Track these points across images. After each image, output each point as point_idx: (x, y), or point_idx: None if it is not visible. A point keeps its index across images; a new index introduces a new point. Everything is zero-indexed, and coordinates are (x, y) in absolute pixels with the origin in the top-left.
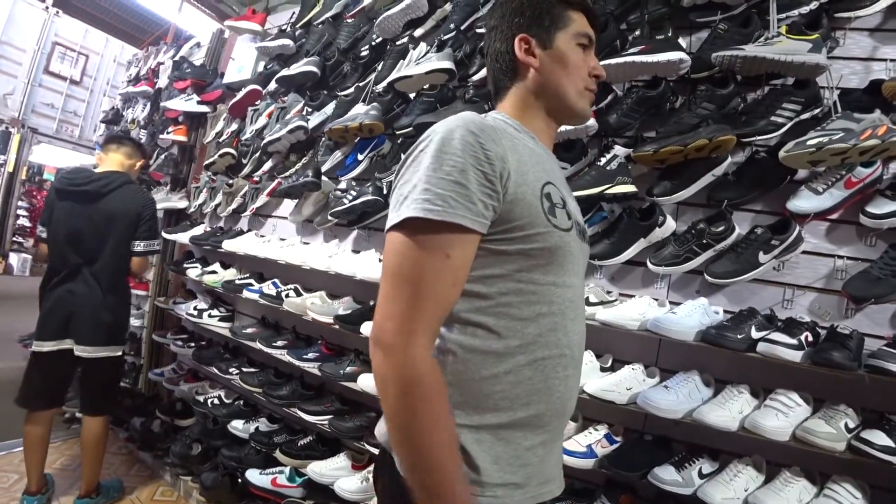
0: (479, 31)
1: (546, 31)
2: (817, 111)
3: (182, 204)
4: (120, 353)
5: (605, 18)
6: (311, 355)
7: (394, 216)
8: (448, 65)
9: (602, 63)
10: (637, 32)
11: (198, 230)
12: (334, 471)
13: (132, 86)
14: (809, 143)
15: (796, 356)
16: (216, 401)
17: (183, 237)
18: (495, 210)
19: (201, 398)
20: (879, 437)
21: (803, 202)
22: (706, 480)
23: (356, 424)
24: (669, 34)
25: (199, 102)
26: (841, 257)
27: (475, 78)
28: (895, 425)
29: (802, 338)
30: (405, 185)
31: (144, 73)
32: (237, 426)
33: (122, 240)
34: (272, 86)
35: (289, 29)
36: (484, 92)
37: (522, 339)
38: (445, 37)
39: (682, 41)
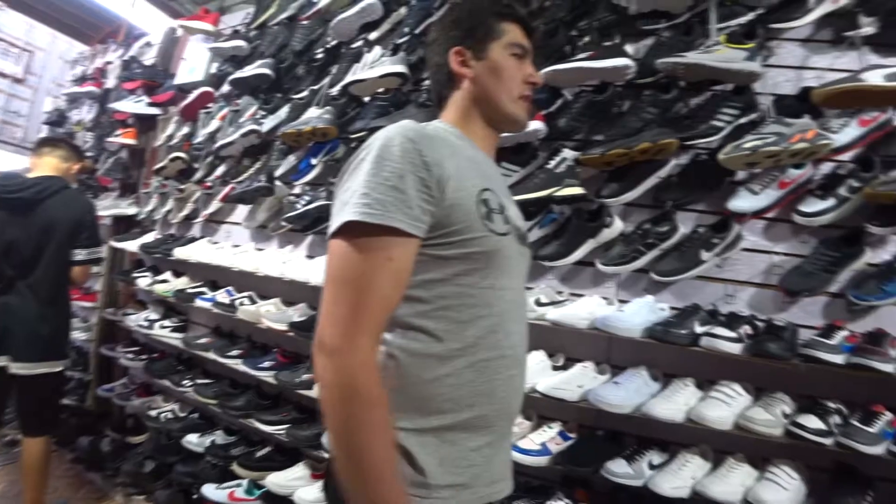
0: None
1: (480, 42)
2: (754, 116)
3: (132, 210)
4: (61, 369)
5: (556, 24)
6: (266, 364)
7: (335, 221)
8: (402, 69)
9: (551, 68)
10: (586, 39)
11: (148, 237)
12: (293, 481)
13: (78, 86)
14: (745, 146)
15: (736, 348)
16: (170, 415)
17: (133, 245)
18: (433, 215)
19: (154, 413)
20: (813, 421)
21: (741, 202)
22: (656, 471)
23: (314, 432)
24: (617, 41)
25: (149, 104)
26: (777, 254)
27: (429, 83)
28: (827, 409)
29: (742, 331)
30: (346, 192)
31: (91, 73)
32: (192, 440)
33: (61, 248)
34: (225, 88)
35: (243, 30)
36: (442, 93)
37: (463, 342)
38: (400, 41)
39: (629, 48)
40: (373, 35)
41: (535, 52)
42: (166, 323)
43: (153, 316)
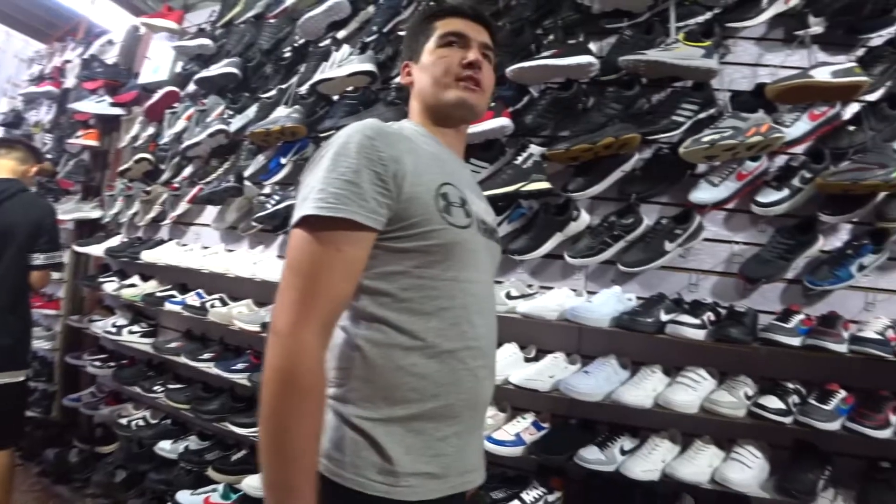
0: (401, 33)
1: (417, 52)
2: (712, 111)
3: (95, 214)
4: (23, 378)
5: (521, 23)
6: (240, 366)
7: (294, 216)
8: (370, 67)
9: (518, 66)
10: (551, 37)
11: (114, 241)
12: None
13: (35, 85)
14: (704, 140)
15: (700, 334)
16: (141, 422)
17: (97, 249)
18: (389, 208)
19: (124, 421)
20: (773, 402)
21: (702, 194)
22: (627, 456)
23: None
24: (581, 39)
25: (111, 104)
26: (737, 243)
27: (397, 80)
28: (786, 389)
29: (705, 317)
30: (305, 188)
31: (49, 72)
32: (165, 447)
33: (20, 254)
34: (191, 87)
35: (208, 28)
36: (406, 95)
37: (426, 334)
38: (368, 39)
39: (593, 46)
40: (341, 33)
41: (501, 50)
42: (135, 328)
43: (121, 321)
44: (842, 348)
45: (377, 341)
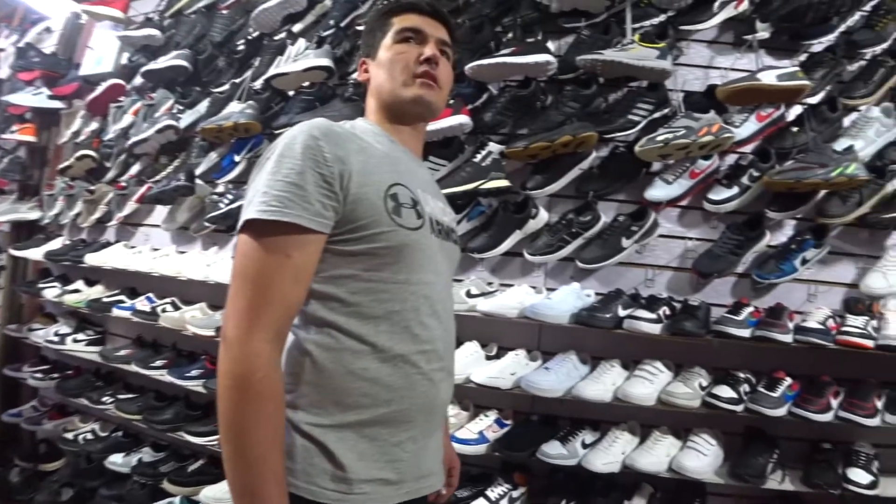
0: (359, 28)
1: (374, 48)
2: (667, 110)
3: (34, 215)
4: None
5: (481, 20)
6: (194, 372)
7: (240, 220)
8: (327, 62)
9: (476, 63)
10: (510, 35)
11: (55, 244)
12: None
13: None
14: (658, 139)
15: (656, 329)
16: (89, 436)
17: (36, 253)
18: (336, 210)
19: (71, 435)
20: (725, 391)
21: (657, 191)
22: (589, 450)
23: None
24: (539, 38)
25: (50, 97)
26: (690, 239)
27: (355, 76)
28: (738, 379)
29: (661, 312)
30: (250, 191)
31: None
32: (116, 461)
33: None
34: (138, 80)
35: (156, 18)
36: (363, 91)
37: (377, 338)
38: (325, 33)
39: (551, 45)
40: (297, 27)
41: (460, 47)
42: (80, 336)
43: (64, 329)
44: (787, 338)
45: (327, 346)
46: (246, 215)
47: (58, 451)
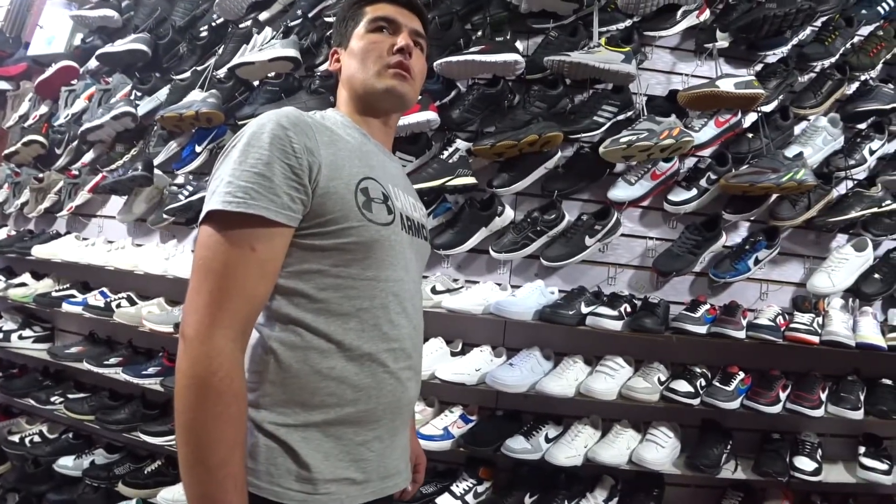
0: (327, 19)
1: (346, 36)
2: (630, 113)
3: None
4: None
5: (451, 17)
6: (151, 370)
7: (203, 211)
8: (293, 53)
9: (445, 60)
10: (479, 33)
11: None
12: None
13: None
14: (621, 140)
15: (617, 325)
16: (37, 438)
17: None
18: (304, 203)
19: (16, 438)
20: (683, 385)
21: (620, 192)
22: (552, 444)
23: None
24: (508, 37)
25: None
26: (651, 238)
27: (322, 68)
28: (694, 374)
29: (622, 309)
30: (214, 181)
31: None
32: (66, 464)
33: None
34: (92, 63)
35: None
36: (330, 83)
37: (344, 336)
38: (292, 23)
39: (520, 44)
40: (263, 15)
41: (430, 43)
42: (26, 333)
43: (9, 325)
44: (741, 335)
45: (292, 344)
46: (209, 206)
47: (2, 454)
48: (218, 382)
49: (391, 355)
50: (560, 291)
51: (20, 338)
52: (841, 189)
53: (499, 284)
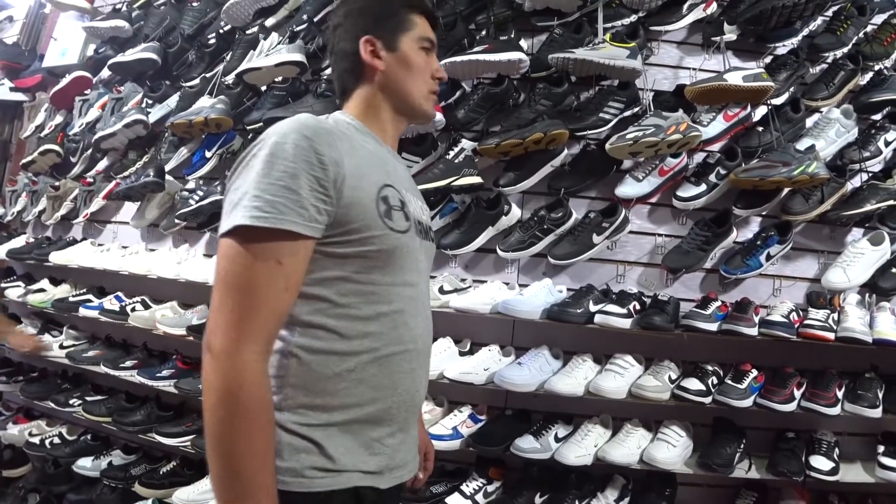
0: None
1: (391, 33)
2: (637, 109)
3: None
4: None
5: (454, 18)
6: (165, 373)
7: (225, 223)
8: (299, 58)
9: (449, 60)
10: (483, 33)
11: (17, 242)
12: (203, 494)
13: None
14: (628, 136)
15: (626, 323)
16: (56, 440)
17: None
18: (329, 214)
19: (37, 440)
20: (694, 384)
21: (627, 188)
22: (562, 443)
23: None
24: (512, 35)
25: (12, 89)
26: (660, 235)
27: (328, 72)
28: (706, 372)
29: (631, 307)
30: (236, 192)
31: None
32: (85, 465)
33: None
34: (105, 73)
35: (124, 8)
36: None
37: (365, 338)
38: (298, 28)
39: (524, 43)
40: (269, 21)
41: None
42: (46, 337)
43: (29, 330)
44: (753, 331)
45: (314, 348)
46: (234, 220)
47: (23, 456)
48: (247, 396)
49: (407, 356)
50: (568, 290)
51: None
52: (855, 182)
53: (506, 283)
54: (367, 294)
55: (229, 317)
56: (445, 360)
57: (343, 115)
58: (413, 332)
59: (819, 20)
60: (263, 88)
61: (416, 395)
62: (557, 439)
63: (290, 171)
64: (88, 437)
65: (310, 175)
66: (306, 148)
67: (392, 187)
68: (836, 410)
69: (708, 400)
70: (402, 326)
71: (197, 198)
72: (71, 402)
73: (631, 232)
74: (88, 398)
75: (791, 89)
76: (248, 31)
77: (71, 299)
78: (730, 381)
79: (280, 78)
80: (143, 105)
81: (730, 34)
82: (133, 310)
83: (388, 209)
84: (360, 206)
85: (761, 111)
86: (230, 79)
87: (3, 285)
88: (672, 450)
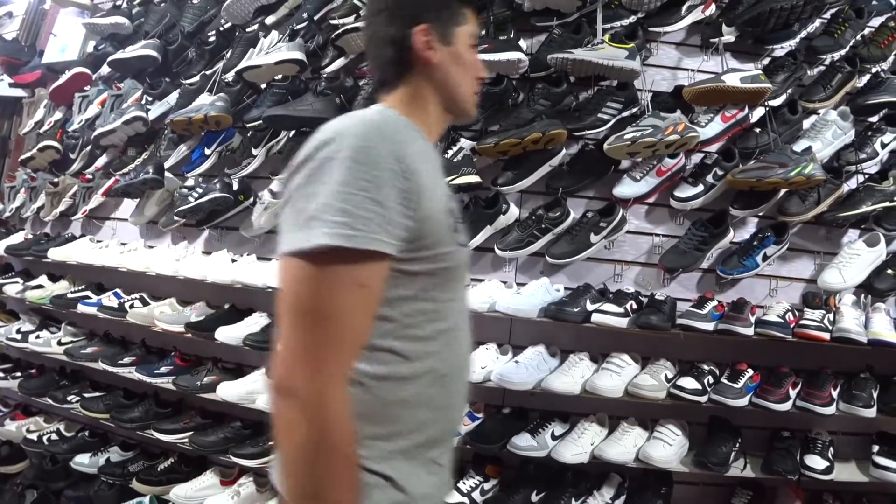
0: (332, 22)
1: (446, 25)
2: (635, 109)
3: None
4: None
5: None
6: (163, 369)
7: (298, 238)
8: (299, 56)
9: None
10: (483, 32)
11: (16, 238)
12: (201, 491)
13: None
14: (626, 137)
15: (623, 322)
16: (54, 436)
17: None
18: (409, 230)
19: (34, 436)
20: (690, 383)
21: (625, 188)
22: (558, 441)
23: (220, 437)
24: (511, 35)
25: (11, 85)
26: (658, 235)
27: (328, 70)
28: (702, 371)
29: (628, 306)
30: (309, 200)
31: None
32: (82, 461)
33: None
34: (104, 70)
35: (124, 5)
36: (336, 85)
37: (427, 359)
38: (298, 26)
39: (523, 43)
40: (269, 19)
41: None
42: (43, 333)
43: (27, 327)
44: (749, 331)
45: (378, 374)
46: (315, 238)
47: (20, 452)
48: (340, 439)
49: (461, 373)
50: (565, 289)
51: (37, 338)
52: (852, 183)
53: (504, 282)
54: (429, 312)
55: (311, 351)
56: None
57: (391, 112)
58: (462, 347)
59: (817, 23)
60: (263, 86)
61: (463, 409)
62: (554, 437)
63: (375, 180)
64: (86, 433)
65: (395, 187)
66: (390, 154)
67: (451, 197)
68: (831, 410)
69: (704, 399)
70: (455, 343)
71: (196, 195)
72: (69, 398)
73: (628, 232)
74: (86, 395)
75: (788, 91)
76: (248, 29)
77: (69, 296)
78: (726, 381)
79: (280, 76)
80: (143, 102)
81: (728, 36)
82: (131, 306)
83: (454, 222)
84: (433, 221)
85: (759, 112)
86: (230, 76)
87: (1, 281)
88: (668, 448)
